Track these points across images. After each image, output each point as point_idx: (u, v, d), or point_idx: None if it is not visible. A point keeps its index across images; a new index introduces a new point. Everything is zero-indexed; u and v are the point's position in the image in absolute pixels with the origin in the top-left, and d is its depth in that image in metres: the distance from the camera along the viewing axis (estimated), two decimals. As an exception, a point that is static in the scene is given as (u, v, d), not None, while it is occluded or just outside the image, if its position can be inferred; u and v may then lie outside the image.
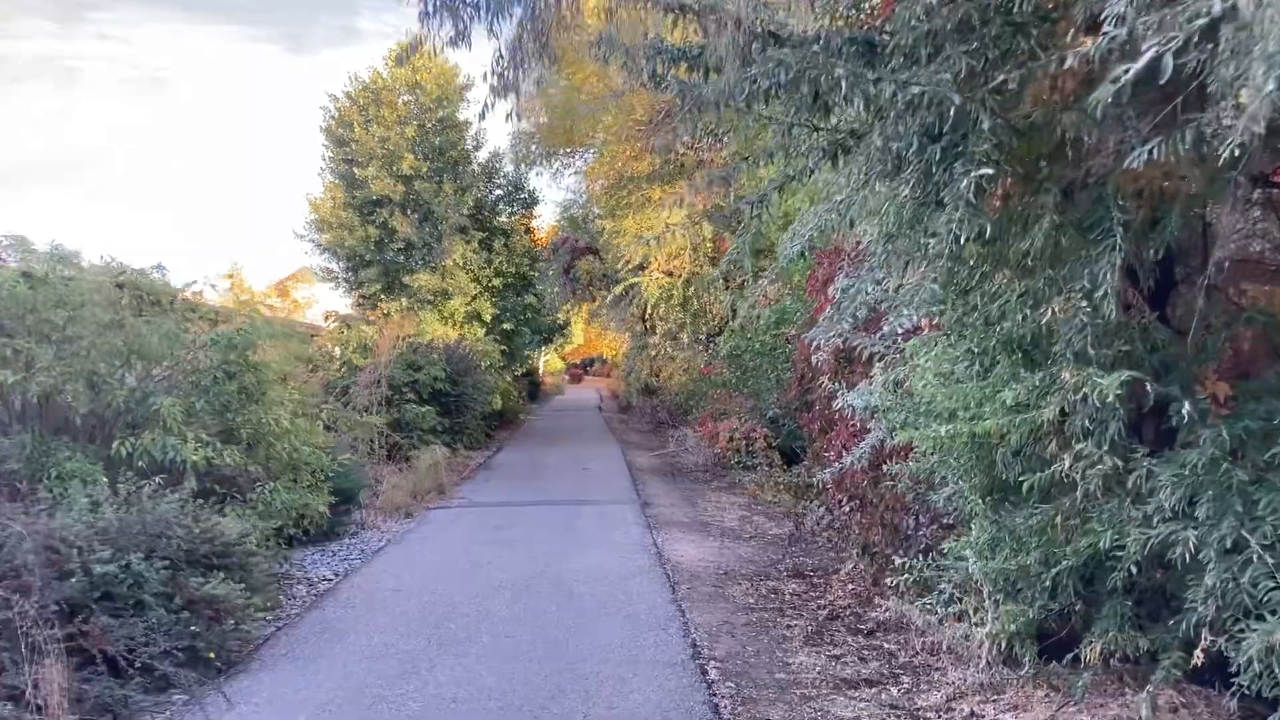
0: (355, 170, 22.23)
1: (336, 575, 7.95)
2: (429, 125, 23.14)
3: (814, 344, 7.01)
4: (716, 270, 11.25)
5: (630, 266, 21.31)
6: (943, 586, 5.31)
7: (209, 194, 76.13)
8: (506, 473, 15.35)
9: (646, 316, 27.31)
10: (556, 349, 51.55)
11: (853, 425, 6.33)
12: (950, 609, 5.21)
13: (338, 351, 14.21)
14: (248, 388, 6.80)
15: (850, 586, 7.19)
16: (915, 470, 5.12)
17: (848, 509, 6.31)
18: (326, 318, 14.96)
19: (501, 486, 13.62)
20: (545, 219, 34.63)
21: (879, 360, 5.13)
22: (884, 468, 6.06)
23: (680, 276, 20.60)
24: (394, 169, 22.02)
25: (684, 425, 22.14)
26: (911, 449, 5.69)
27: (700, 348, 23.93)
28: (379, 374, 13.61)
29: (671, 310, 20.89)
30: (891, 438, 5.14)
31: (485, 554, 8.65)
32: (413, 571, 8.01)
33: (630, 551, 8.71)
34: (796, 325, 7.53)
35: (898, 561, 5.09)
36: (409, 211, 22.15)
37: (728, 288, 21.34)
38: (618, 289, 21.91)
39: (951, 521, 5.35)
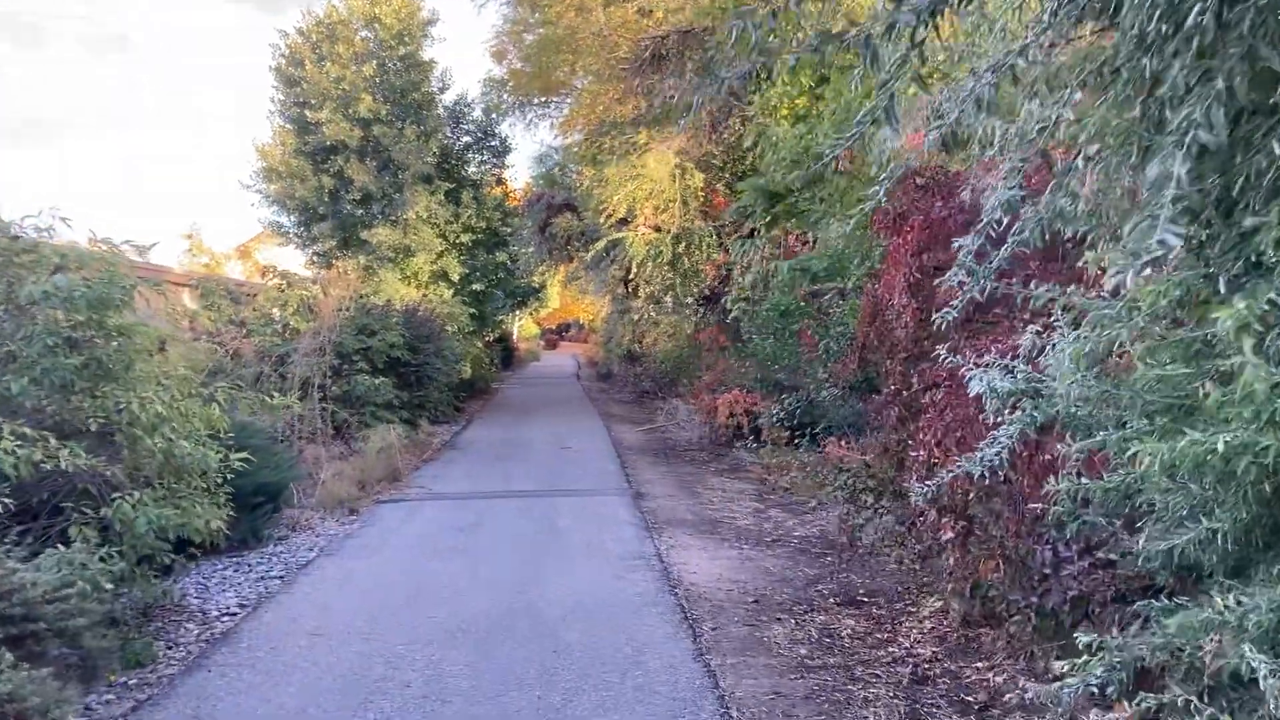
0: (307, 113, 19.95)
1: (244, 606, 6.01)
2: (389, 64, 20.87)
3: (896, 301, 5.15)
4: (728, 212, 9.27)
5: (612, 220, 19.25)
6: (1118, 662, 3.47)
7: (179, 154, 72.39)
8: (475, 453, 13.41)
9: (629, 278, 25.29)
10: (531, 313, 49.42)
11: (960, 414, 4.46)
12: (1141, 704, 3.36)
13: (277, 313, 12.16)
14: (102, 360, 4.83)
15: (930, 626, 5.37)
16: (1108, 492, 3.25)
17: (951, 533, 4.46)
18: (264, 274, 12.88)
19: (468, 471, 11.69)
20: (519, 175, 32.47)
21: (1066, 321, 3.23)
22: (1007, 477, 4.20)
23: (669, 232, 18.59)
24: (350, 111, 19.77)
25: (672, 396, 20.31)
26: (1060, 457, 3.86)
27: (689, 311, 22.01)
28: (323, 340, 11.58)
29: (659, 270, 18.89)
30: (1067, 441, 3.27)
31: (442, 571, 6.73)
32: (345, 600, 6.08)
33: (628, 567, 6.82)
34: (855, 278, 5.64)
35: (1083, 641, 3.22)
36: (367, 159, 19.95)
37: (721, 244, 19.39)
38: (599, 245, 19.88)
39: (1145, 567, 3.48)
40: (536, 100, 25.75)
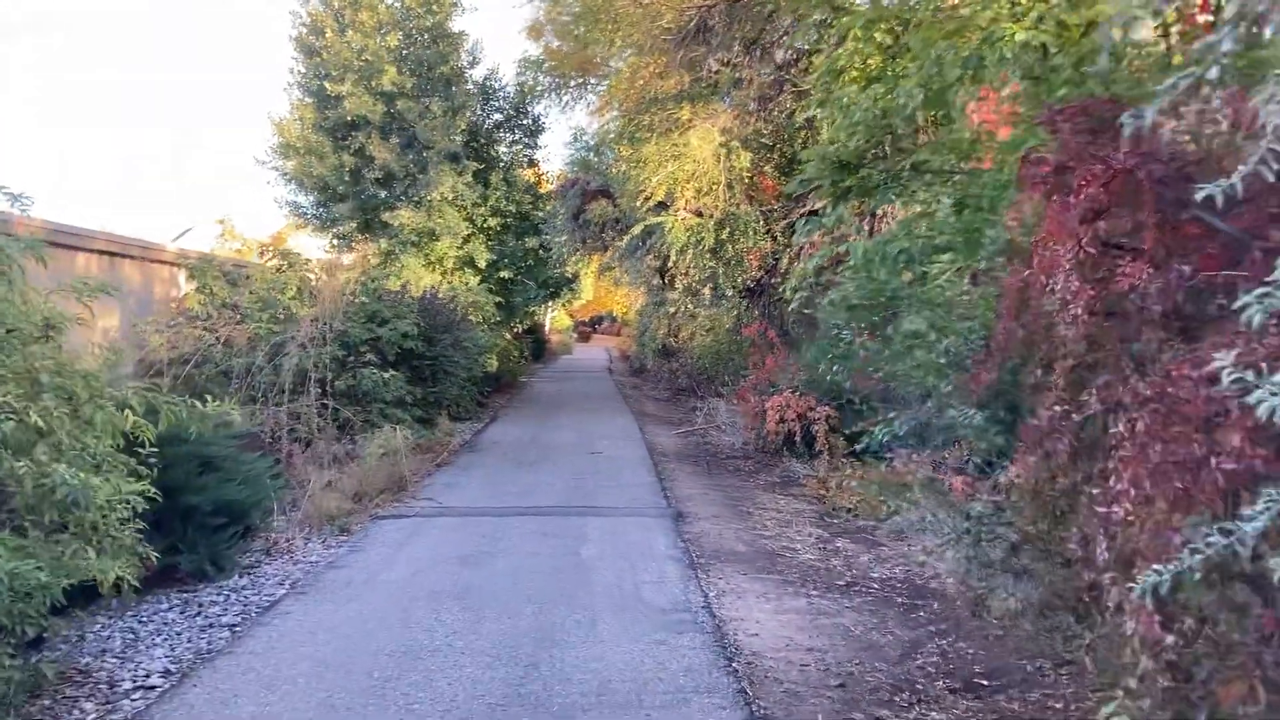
0: (327, 86, 18.66)
1: (170, 673, 4.61)
2: (415, 35, 19.54)
3: (1059, 286, 3.67)
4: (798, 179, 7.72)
5: (650, 204, 17.75)
6: None
7: (178, 153, 71.65)
8: (495, 456, 12.00)
9: (666, 268, 23.80)
10: (564, 304, 48.07)
11: (1179, 453, 2.95)
12: None
13: (279, 297, 10.81)
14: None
15: (1092, 738, 3.85)
16: None
17: (1170, 634, 2.95)
18: (262, 253, 11.54)
19: (485, 480, 10.27)
20: (554, 161, 31.04)
21: None
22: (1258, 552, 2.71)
23: (712, 216, 17.06)
24: (373, 84, 18.45)
25: (711, 395, 18.85)
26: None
27: (730, 304, 20.52)
28: (325, 327, 10.23)
29: (700, 257, 17.37)
30: None
31: (434, 627, 5.29)
32: (302, 667, 4.66)
33: (670, 624, 5.34)
34: (988, 255, 4.12)
35: None
36: (390, 135, 18.61)
37: (769, 230, 17.83)
38: (636, 229, 18.36)
39: None
40: (573, 81, 24.38)
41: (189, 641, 5.09)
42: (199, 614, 5.60)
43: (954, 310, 4.32)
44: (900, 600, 6.02)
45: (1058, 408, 3.59)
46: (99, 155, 68.25)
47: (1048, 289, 3.83)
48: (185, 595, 5.95)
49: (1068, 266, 3.68)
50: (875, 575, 6.66)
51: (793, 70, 17.22)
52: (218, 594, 6.00)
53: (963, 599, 4.42)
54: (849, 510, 9.02)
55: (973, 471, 8.11)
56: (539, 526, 7.86)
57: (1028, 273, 4.00)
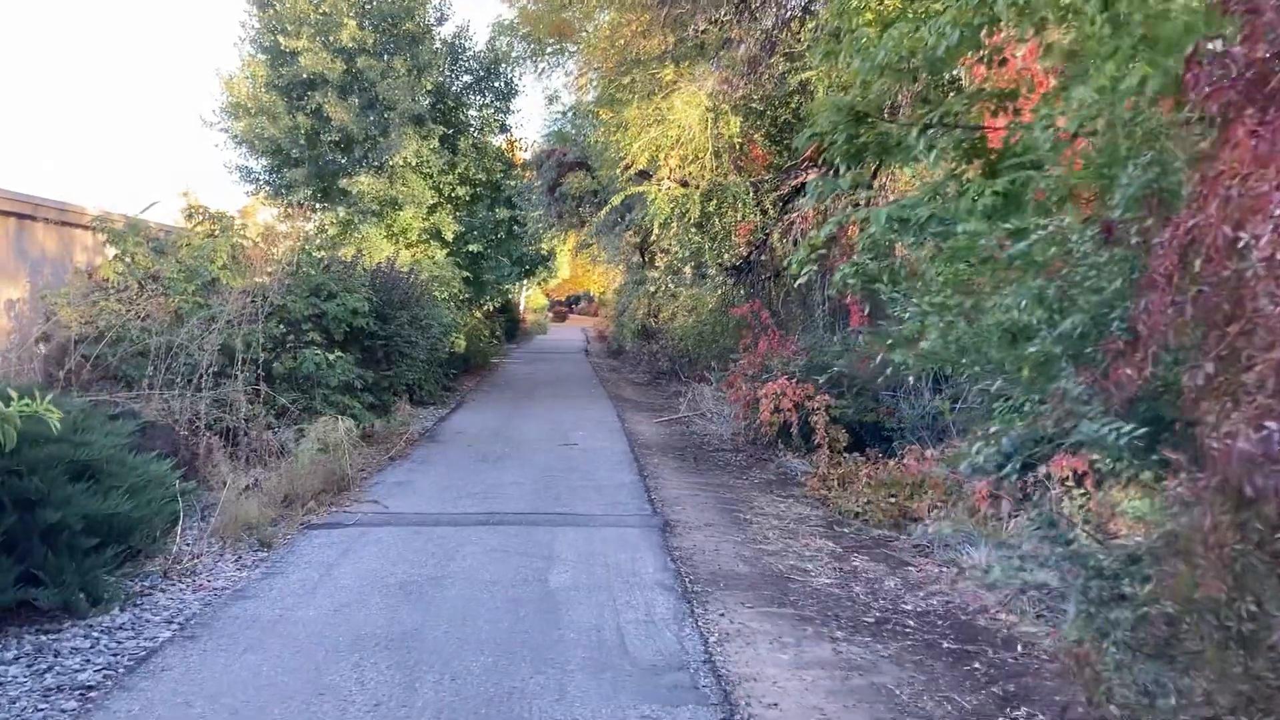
0: (281, 41, 17.14)
1: (-25, 772, 3.35)
2: (378, -13, 18.04)
3: (1265, 240, 2.45)
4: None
5: (631, 173, 16.40)
6: None
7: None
8: (458, 448, 10.70)
9: (647, 245, 22.50)
10: (540, 283, 46.56)
11: None
12: None
13: (208, 267, 9.43)
14: None
15: None
16: None
17: None
18: (190, 216, 10.11)
19: (443, 478, 8.97)
20: (529, 133, 29.54)
21: None
22: None
23: (698, 187, 15.75)
24: (331, 40, 16.96)
25: (693, 379, 17.63)
26: None
27: (714, 283, 19.28)
28: (260, 301, 8.87)
29: (685, 231, 16.08)
30: None
31: (356, 694, 4.00)
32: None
33: (663, 690, 4.09)
34: (1123, 202, 2.90)
35: None
36: (349, 95, 17.13)
37: (758, 202, 16.57)
38: (616, 199, 17.02)
39: None
40: (550, 47, 22.97)
41: (20, 715, 3.80)
42: (51, 668, 4.30)
43: (1072, 279, 3.08)
44: (947, 646, 4.82)
45: (1272, 424, 2.36)
46: (99, 155, 66.04)
47: (1236, 245, 2.59)
48: (44, 638, 4.65)
49: (1278, 212, 2.45)
50: (909, 608, 5.47)
51: (785, 32, 15.95)
52: (85, 636, 4.70)
53: (1072, 673, 3.23)
54: (858, 515, 7.86)
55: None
56: (501, 541, 6.58)
57: (1193, 222, 2.76)
